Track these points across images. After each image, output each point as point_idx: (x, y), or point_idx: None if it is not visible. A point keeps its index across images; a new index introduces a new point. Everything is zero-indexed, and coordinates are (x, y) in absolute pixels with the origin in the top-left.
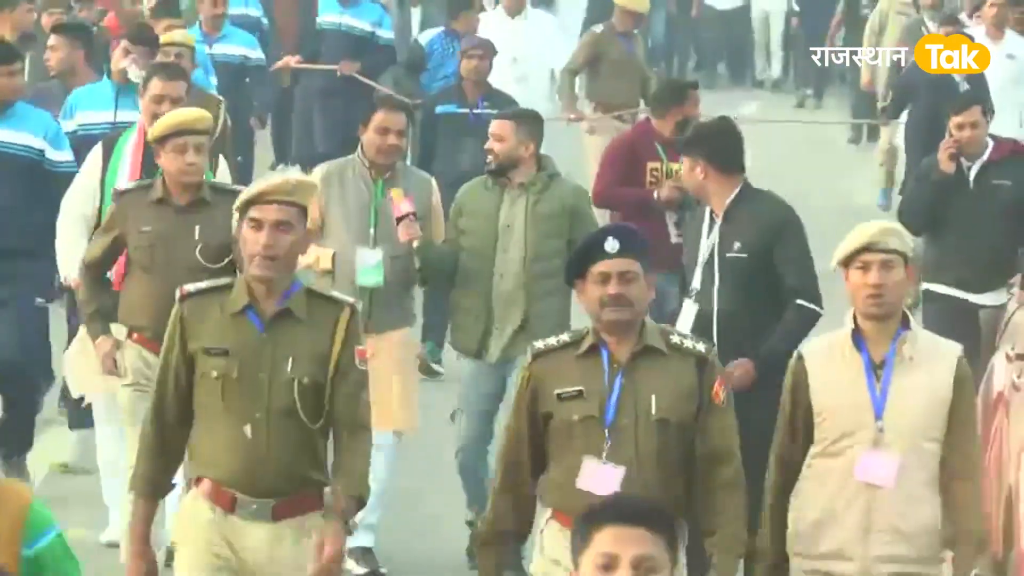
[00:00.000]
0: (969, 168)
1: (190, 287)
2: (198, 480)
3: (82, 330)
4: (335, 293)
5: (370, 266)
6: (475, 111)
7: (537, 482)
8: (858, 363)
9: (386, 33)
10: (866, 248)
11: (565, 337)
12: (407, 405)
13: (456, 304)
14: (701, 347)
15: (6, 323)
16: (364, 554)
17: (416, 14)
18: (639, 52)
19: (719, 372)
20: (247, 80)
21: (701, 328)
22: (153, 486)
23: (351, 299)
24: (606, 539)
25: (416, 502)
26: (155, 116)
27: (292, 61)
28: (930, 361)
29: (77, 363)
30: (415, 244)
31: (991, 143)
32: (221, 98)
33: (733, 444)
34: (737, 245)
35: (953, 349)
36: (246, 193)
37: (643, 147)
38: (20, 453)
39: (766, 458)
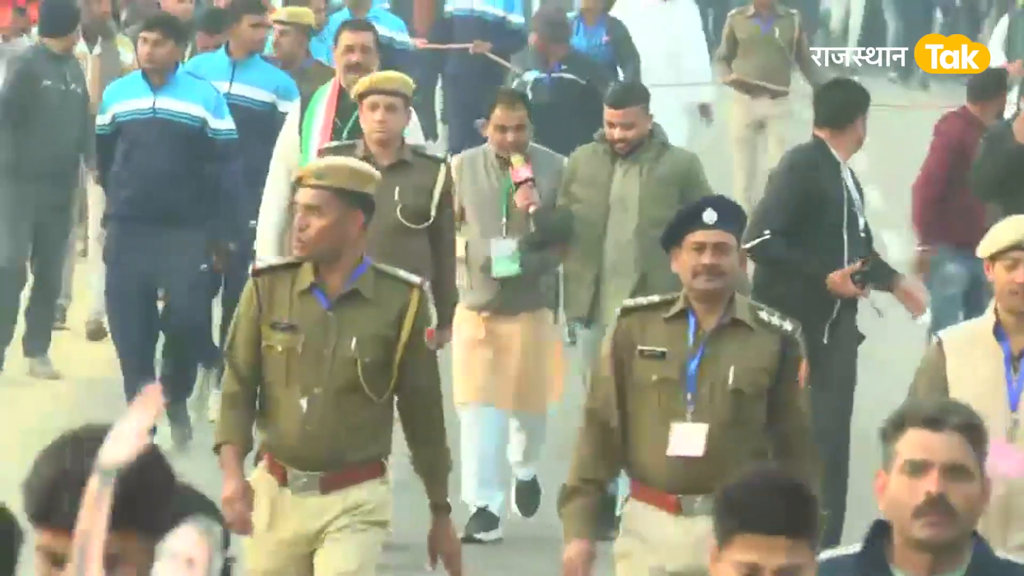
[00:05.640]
0: None
1: (262, 264)
2: (264, 454)
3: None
4: (402, 272)
5: (505, 256)
6: (552, 74)
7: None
8: (998, 354)
9: (517, 17)
10: (1016, 246)
11: (655, 298)
12: (538, 387)
13: (566, 272)
14: (788, 325)
15: (179, 290)
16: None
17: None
18: (782, 29)
19: (803, 352)
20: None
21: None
22: (235, 434)
23: (418, 279)
24: (747, 547)
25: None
26: (346, 67)
27: (419, 43)
28: None
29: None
30: (531, 210)
31: None
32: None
33: (810, 424)
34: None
35: None
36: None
37: (971, 138)
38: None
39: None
